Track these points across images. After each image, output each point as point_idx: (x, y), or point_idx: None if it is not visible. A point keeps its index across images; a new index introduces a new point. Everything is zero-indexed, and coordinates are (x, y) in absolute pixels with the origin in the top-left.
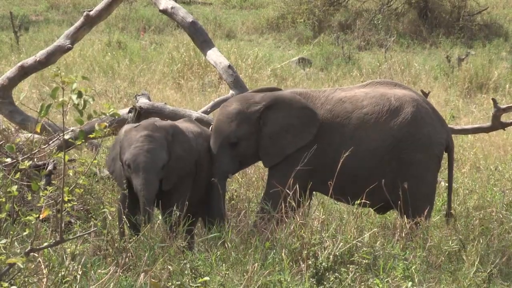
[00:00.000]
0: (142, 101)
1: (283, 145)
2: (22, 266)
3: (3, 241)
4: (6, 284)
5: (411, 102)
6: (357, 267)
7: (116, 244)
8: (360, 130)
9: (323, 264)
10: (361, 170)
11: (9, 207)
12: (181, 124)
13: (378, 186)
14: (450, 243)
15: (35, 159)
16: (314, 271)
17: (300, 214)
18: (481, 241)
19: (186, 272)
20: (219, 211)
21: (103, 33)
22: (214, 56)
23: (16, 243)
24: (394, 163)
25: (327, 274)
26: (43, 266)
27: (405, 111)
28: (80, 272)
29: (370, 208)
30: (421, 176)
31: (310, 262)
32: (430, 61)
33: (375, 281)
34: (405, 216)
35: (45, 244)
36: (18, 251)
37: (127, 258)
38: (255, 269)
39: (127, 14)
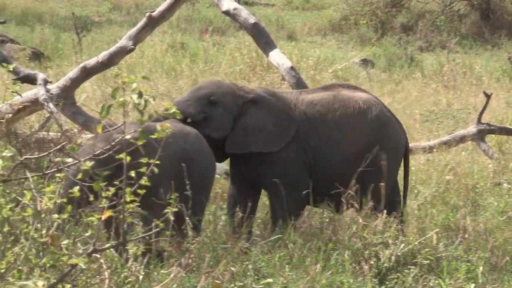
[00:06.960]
0: None
1: (251, 141)
2: (84, 267)
3: (66, 241)
4: (68, 286)
5: (376, 106)
6: (420, 268)
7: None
8: (335, 133)
9: (385, 264)
10: (338, 174)
11: (72, 208)
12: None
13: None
14: None
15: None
16: (376, 271)
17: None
18: None
19: (248, 273)
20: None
21: (165, 34)
22: (277, 57)
23: (78, 244)
24: (366, 166)
25: (389, 274)
26: (105, 267)
27: (373, 114)
28: (142, 273)
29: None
30: (386, 177)
31: (372, 263)
32: (492, 63)
33: (437, 282)
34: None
35: (108, 245)
36: (81, 252)
37: (190, 259)
38: (318, 270)
39: (189, 15)
